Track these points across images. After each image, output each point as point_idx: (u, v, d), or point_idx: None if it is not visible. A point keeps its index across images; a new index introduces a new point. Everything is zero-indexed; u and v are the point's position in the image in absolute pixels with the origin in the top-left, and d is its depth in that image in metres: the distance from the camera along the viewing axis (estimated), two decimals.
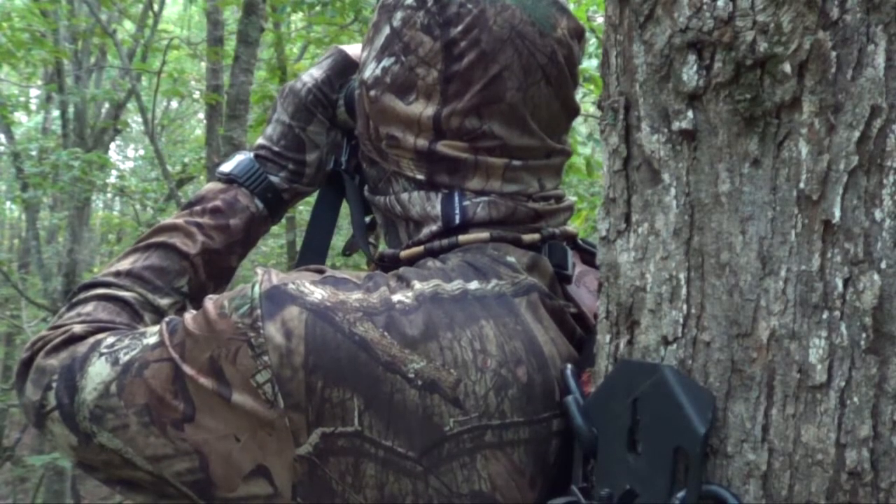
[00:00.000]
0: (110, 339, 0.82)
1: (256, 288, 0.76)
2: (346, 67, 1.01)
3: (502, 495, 0.74)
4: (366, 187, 0.96)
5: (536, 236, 0.86)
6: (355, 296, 0.75)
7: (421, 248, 0.85)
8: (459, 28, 0.83)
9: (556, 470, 0.76)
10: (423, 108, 0.85)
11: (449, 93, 0.84)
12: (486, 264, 0.80)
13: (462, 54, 0.83)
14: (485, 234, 0.84)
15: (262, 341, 0.73)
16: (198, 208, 0.99)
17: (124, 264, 0.94)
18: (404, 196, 0.88)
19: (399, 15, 0.87)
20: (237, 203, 0.99)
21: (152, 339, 0.80)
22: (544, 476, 0.76)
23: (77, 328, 0.85)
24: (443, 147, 0.85)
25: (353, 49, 1.02)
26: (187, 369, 0.76)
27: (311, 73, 1.02)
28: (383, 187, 0.91)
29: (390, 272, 0.81)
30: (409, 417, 0.72)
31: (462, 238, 0.84)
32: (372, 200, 0.94)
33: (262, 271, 0.78)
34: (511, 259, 0.82)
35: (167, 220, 0.99)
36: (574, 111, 0.91)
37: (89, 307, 0.90)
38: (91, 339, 0.83)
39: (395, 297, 0.76)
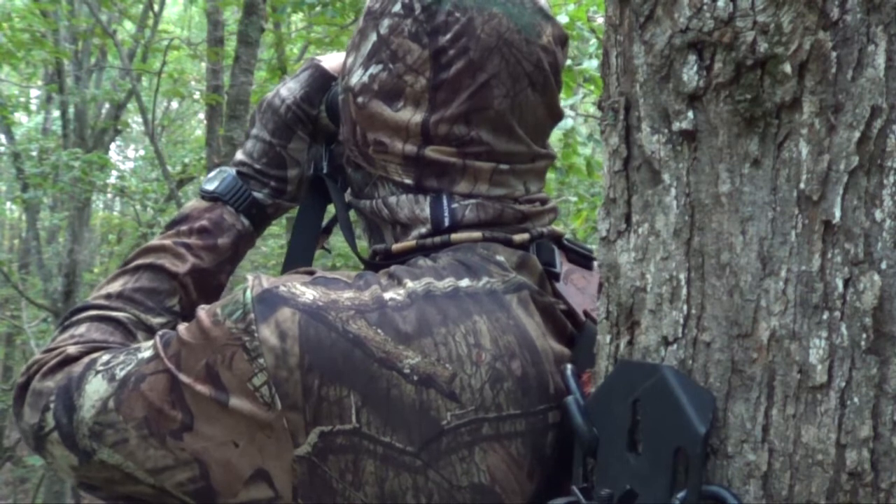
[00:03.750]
0: (105, 357, 0.82)
1: (248, 293, 0.77)
2: (324, 83, 1.01)
3: (501, 487, 0.74)
4: (348, 191, 0.97)
5: (526, 236, 0.87)
6: (347, 294, 0.76)
7: (413, 242, 0.86)
8: (448, 36, 0.84)
9: (554, 462, 0.77)
10: (411, 115, 0.86)
11: (437, 100, 0.85)
12: (476, 263, 0.81)
13: (450, 62, 0.84)
14: (477, 234, 0.85)
15: (256, 344, 0.74)
16: (184, 228, 0.98)
17: (114, 286, 0.94)
18: (392, 199, 0.88)
19: (386, 22, 0.87)
20: (224, 222, 0.99)
21: (147, 353, 0.80)
22: (542, 468, 0.76)
23: (71, 349, 0.85)
24: (431, 152, 0.86)
25: (330, 62, 1.03)
26: (184, 378, 0.76)
27: (289, 87, 1.02)
28: (369, 191, 0.92)
29: (381, 271, 0.81)
30: (407, 412, 0.73)
31: (454, 237, 0.85)
32: (356, 205, 0.94)
33: (251, 277, 0.79)
34: (500, 258, 0.83)
35: (153, 241, 0.99)
36: (558, 116, 0.93)
37: (82, 328, 0.90)
38: (86, 359, 0.83)
39: (388, 295, 0.76)
